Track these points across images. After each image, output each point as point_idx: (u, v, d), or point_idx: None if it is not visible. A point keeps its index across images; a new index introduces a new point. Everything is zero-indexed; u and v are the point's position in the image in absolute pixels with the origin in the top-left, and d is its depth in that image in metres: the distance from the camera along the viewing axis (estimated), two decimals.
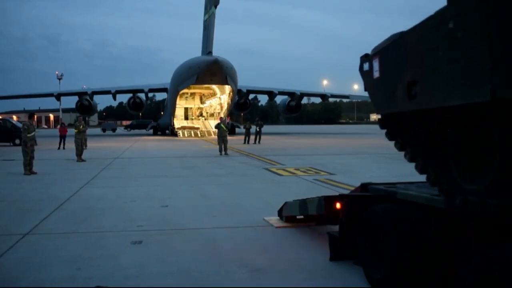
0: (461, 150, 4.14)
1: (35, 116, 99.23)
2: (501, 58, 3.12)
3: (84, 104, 63.23)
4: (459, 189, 4.12)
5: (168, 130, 61.75)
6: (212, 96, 64.96)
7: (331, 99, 78.84)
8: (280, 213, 8.41)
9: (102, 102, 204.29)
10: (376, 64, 4.99)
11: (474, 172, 3.97)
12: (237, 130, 59.12)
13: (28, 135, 17.28)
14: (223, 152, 25.37)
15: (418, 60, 4.15)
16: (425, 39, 4.02)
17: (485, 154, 3.80)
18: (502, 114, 3.53)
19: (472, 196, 3.88)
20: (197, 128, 58.66)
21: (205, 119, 64.59)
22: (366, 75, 5.30)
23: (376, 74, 5.02)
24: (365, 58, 5.29)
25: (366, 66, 5.27)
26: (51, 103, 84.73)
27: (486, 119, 3.74)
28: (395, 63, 4.58)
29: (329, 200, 6.35)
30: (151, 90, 70.48)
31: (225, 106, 58.41)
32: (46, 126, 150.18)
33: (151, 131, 68.90)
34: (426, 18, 3.97)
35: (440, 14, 3.77)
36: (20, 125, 19.73)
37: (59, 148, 31.52)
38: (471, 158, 4.01)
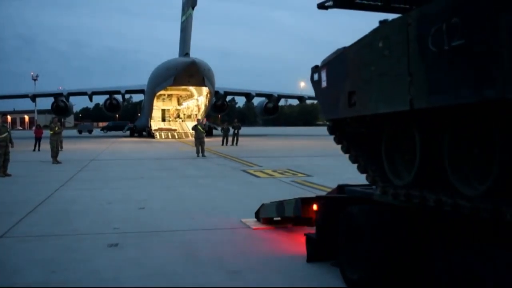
0: (391, 151, 4.81)
1: (10, 117, 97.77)
2: (417, 74, 3.72)
3: (60, 105, 62.44)
4: (391, 185, 4.77)
5: (145, 131, 61.39)
6: (189, 97, 64.79)
7: (308, 101, 78.95)
8: (257, 214, 8.42)
9: (78, 103, 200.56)
10: (324, 75, 5.53)
11: (402, 170, 4.67)
12: (214, 132, 59.04)
13: None
14: (200, 154, 25.30)
15: (356, 73, 4.74)
16: (361, 54, 4.61)
17: (409, 154, 4.48)
18: (419, 121, 4.20)
19: (401, 190, 4.50)
20: (174, 130, 58.46)
21: (182, 121, 64.35)
22: (316, 85, 5.82)
23: (324, 84, 5.56)
24: (315, 69, 5.79)
25: (316, 77, 5.79)
26: (26, 104, 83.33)
27: (408, 124, 4.41)
28: (339, 75, 5.15)
29: (306, 202, 6.38)
30: (128, 92, 69.94)
31: (203, 108, 58.28)
32: (21, 128, 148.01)
33: (127, 132, 68.37)
34: (363, 36, 4.56)
35: (372, 34, 4.39)
36: None
37: (34, 150, 31.13)
38: (399, 157, 4.73)
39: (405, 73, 3.86)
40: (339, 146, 5.81)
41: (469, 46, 3.15)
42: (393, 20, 4.16)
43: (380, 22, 4.28)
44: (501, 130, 3.39)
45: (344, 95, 4.97)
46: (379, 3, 5.03)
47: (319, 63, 5.74)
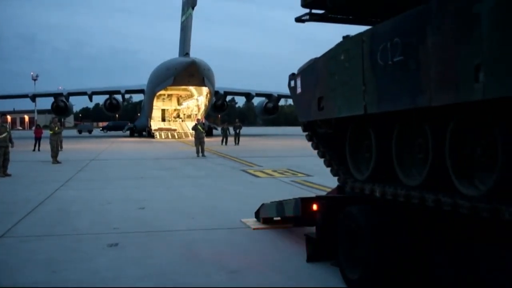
0: (353, 150, 5.41)
1: (10, 117, 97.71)
2: (369, 84, 4.40)
3: (60, 105, 62.37)
4: (352, 178, 5.42)
5: (145, 131, 61.41)
6: (189, 97, 64.79)
7: None
8: (257, 214, 8.42)
9: (78, 103, 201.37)
10: (299, 82, 6.15)
11: (361, 166, 5.28)
12: (214, 132, 59.05)
13: None
14: (200, 154, 25.30)
15: (324, 81, 5.37)
16: (328, 65, 5.24)
17: (368, 153, 5.08)
18: (373, 124, 4.83)
19: (361, 183, 5.14)
20: (174, 130, 58.47)
21: (182, 121, 64.38)
22: (292, 91, 6.44)
23: (299, 90, 6.18)
24: (292, 76, 6.38)
25: (292, 83, 6.39)
26: (26, 104, 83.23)
27: (364, 127, 5.02)
28: (310, 82, 5.78)
29: (305, 202, 6.37)
30: (127, 91, 69.91)
31: (202, 108, 58.30)
32: (21, 128, 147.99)
33: (127, 132, 68.34)
34: (329, 49, 5.18)
35: (336, 47, 5.02)
36: None
37: (34, 150, 31.13)
38: (359, 155, 5.33)
39: (360, 82, 4.53)
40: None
41: (406, 62, 3.81)
42: (352, 36, 4.75)
43: (343, 37, 4.91)
44: (431, 131, 4.05)
45: (314, 100, 5.62)
46: (351, 17, 5.64)
47: None
